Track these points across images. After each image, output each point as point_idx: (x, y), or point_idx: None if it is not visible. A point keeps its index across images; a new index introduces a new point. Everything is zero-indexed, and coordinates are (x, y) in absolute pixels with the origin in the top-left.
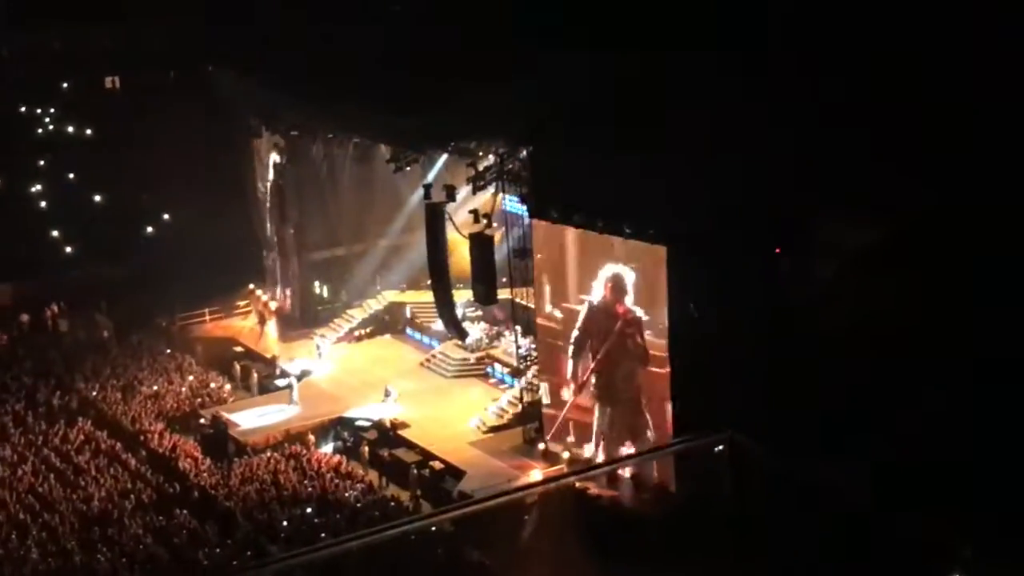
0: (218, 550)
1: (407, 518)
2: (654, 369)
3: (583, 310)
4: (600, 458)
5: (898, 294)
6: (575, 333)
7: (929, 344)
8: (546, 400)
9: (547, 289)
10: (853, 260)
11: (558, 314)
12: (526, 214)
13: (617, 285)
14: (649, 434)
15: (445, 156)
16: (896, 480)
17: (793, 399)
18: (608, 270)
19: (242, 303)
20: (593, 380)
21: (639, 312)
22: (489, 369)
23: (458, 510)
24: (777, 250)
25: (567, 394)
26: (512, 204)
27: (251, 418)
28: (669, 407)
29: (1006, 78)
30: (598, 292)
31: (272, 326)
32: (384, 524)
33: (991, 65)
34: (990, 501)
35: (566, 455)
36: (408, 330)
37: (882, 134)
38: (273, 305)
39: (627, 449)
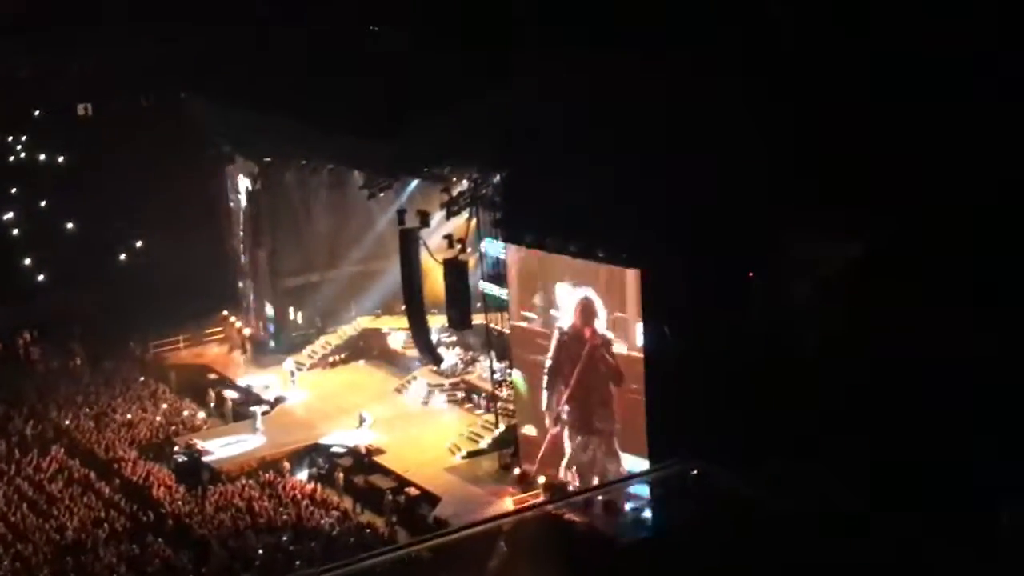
0: None
1: (382, 548)
2: (630, 394)
3: (553, 339)
4: (575, 484)
5: (872, 316)
6: (547, 363)
7: (904, 368)
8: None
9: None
10: (827, 282)
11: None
12: (502, 252)
13: (587, 309)
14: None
15: (418, 181)
16: (871, 506)
17: (767, 423)
18: (577, 294)
19: (215, 330)
20: (567, 409)
21: (608, 334)
22: (474, 395)
23: (432, 540)
24: (750, 274)
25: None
26: (490, 241)
27: (214, 448)
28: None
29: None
30: (567, 318)
31: (246, 353)
32: (360, 553)
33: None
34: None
35: (541, 480)
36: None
37: (855, 155)
38: (247, 332)
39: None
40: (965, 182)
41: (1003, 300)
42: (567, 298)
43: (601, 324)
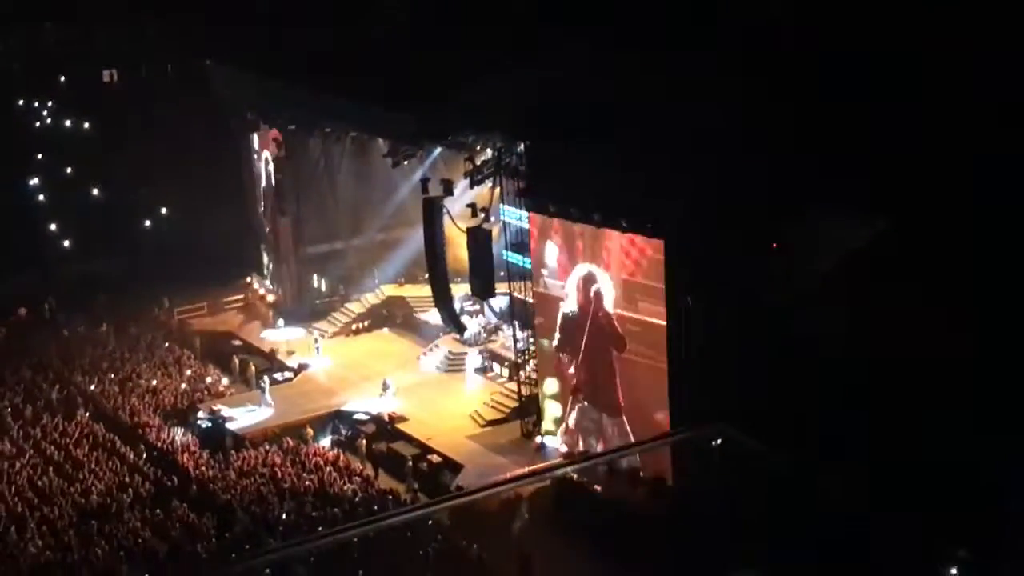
0: (216, 543)
1: (400, 508)
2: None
3: (559, 318)
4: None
5: (897, 293)
6: (556, 337)
7: (927, 344)
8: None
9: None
10: (851, 258)
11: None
12: (524, 220)
13: (588, 284)
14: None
15: (441, 150)
16: (893, 480)
17: (787, 396)
18: (579, 270)
19: (239, 296)
20: (575, 376)
21: (609, 307)
22: (487, 363)
23: (450, 501)
24: (774, 245)
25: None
26: (509, 212)
27: (238, 414)
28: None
29: (1007, 77)
30: (572, 297)
31: (269, 319)
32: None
33: (993, 63)
34: (988, 502)
35: (563, 448)
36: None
37: (883, 130)
38: (270, 299)
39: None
40: (983, 178)
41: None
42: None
43: (607, 301)
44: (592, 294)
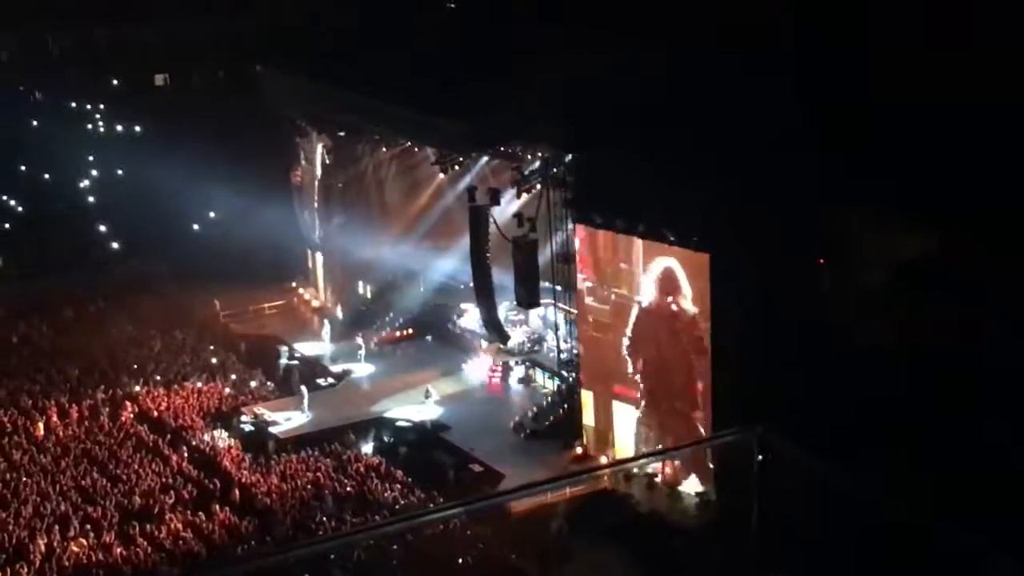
0: (255, 546)
1: (433, 507)
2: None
3: (632, 315)
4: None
5: (942, 308)
6: (625, 341)
7: (971, 358)
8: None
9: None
10: (897, 273)
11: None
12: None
13: (667, 280)
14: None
15: (488, 159)
16: (932, 491)
17: (831, 408)
18: (658, 264)
19: (285, 301)
20: (641, 386)
21: (692, 309)
22: (530, 373)
23: (483, 501)
24: (820, 260)
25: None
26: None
27: (280, 418)
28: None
29: None
30: (648, 291)
31: (315, 325)
32: (414, 511)
33: None
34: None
35: (603, 460)
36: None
37: (934, 145)
38: (316, 304)
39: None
40: None
41: None
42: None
43: (686, 300)
44: (670, 291)
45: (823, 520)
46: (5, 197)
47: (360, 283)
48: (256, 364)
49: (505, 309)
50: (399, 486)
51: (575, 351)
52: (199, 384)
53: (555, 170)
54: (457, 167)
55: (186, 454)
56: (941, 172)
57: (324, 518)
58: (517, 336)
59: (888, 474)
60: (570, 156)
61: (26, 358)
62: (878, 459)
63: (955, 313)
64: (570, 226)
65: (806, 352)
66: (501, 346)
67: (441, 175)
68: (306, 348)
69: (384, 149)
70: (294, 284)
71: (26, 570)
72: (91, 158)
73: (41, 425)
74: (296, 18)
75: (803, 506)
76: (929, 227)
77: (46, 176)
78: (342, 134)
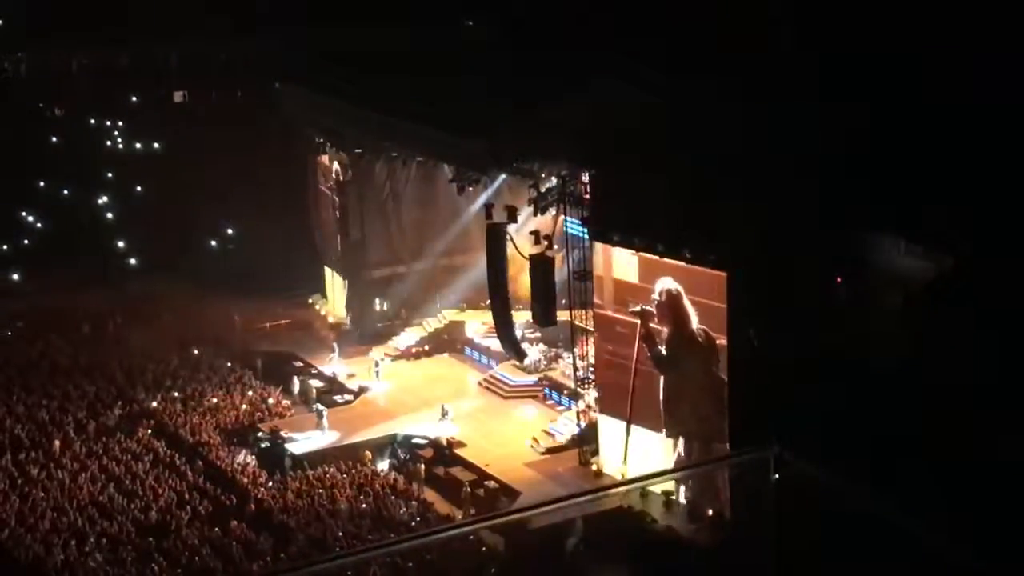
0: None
1: (450, 524)
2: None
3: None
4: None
5: (958, 328)
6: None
7: (988, 378)
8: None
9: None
10: (914, 292)
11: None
12: (586, 236)
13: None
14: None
15: (506, 176)
16: (950, 509)
17: (849, 426)
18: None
19: (302, 318)
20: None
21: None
22: (546, 391)
23: (499, 518)
24: (838, 279)
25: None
26: (574, 225)
27: (297, 435)
28: None
29: None
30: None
31: (331, 341)
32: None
33: None
34: None
35: (619, 477)
36: (467, 349)
37: (951, 165)
38: (332, 320)
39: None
40: None
41: None
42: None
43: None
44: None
45: (840, 539)
46: (24, 213)
47: (377, 300)
48: (273, 380)
49: (522, 327)
50: (415, 503)
51: (591, 369)
52: (216, 400)
53: (572, 188)
54: (473, 186)
55: (203, 470)
56: (959, 192)
57: (340, 534)
58: (534, 353)
59: (906, 492)
60: (587, 174)
61: (44, 374)
62: (897, 476)
63: (972, 330)
64: (587, 244)
65: (824, 370)
66: (518, 363)
67: (459, 193)
68: (323, 364)
69: (402, 166)
70: (310, 300)
71: None
72: (110, 175)
73: (58, 441)
74: (315, 36)
75: (820, 525)
76: (946, 246)
77: (64, 192)
78: (359, 151)
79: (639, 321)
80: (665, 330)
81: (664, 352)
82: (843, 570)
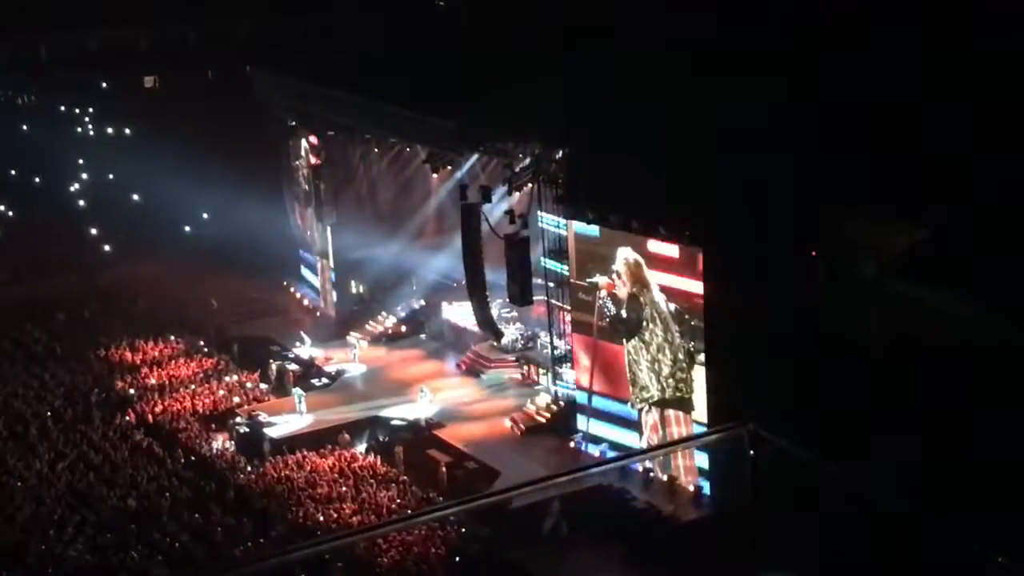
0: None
1: (430, 507)
2: None
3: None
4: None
5: (932, 299)
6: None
7: (959, 347)
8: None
9: None
10: (890, 265)
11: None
12: (561, 227)
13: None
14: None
15: (479, 156)
16: (923, 482)
17: (823, 400)
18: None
19: (278, 302)
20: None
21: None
22: (524, 370)
23: (479, 500)
24: (813, 253)
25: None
26: (546, 219)
27: (275, 419)
28: None
29: None
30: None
31: (307, 326)
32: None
33: None
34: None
35: (597, 455)
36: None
37: (925, 136)
38: (306, 303)
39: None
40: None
41: None
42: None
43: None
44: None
45: (817, 514)
46: None
47: (352, 282)
48: (250, 365)
49: (498, 306)
50: (395, 485)
51: (569, 347)
52: (193, 386)
53: (546, 166)
54: (449, 166)
55: (181, 456)
56: (935, 163)
57: (321, 518)
58: (511, 333)
59: (881, 466)
60: (561, 152)
61: (20, 363)
62: (872, 451)
63: (948, 304)
64: (563, 222)
65: (800, 344)
66: (495, 343)
67: (433, 174)
68: (299, 348)
69: (375, 148)
70: (286, 283)
71: (22, 574)
72: (81, 161)
73: (35, 430)
74: (286, 18)
75: (797, 500)
76: (921, 218)
77: (36, 180)
78: (332, 133)
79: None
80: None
81: (624, 316)
82: (820, 545)
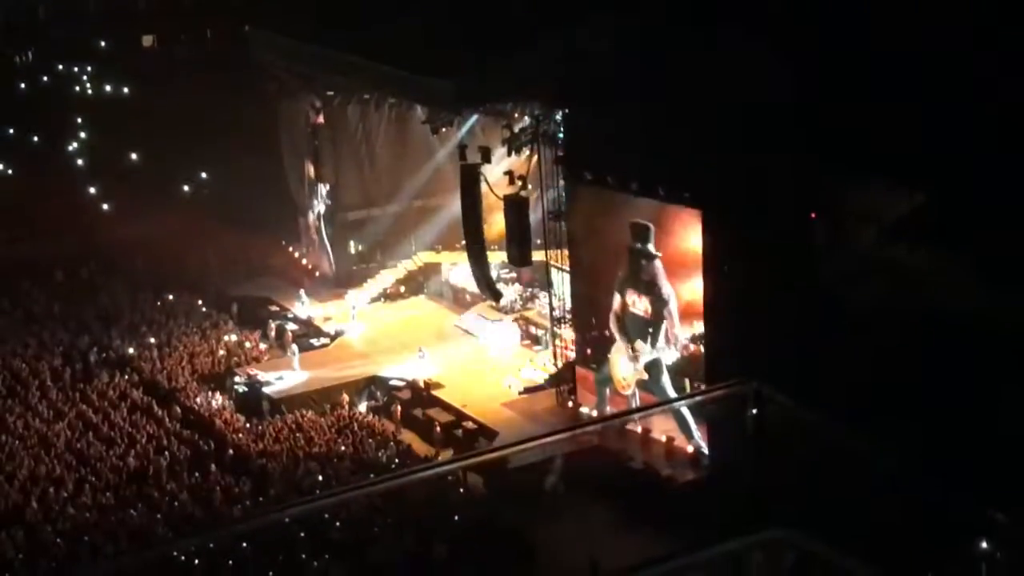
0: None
1: (428, 464)
2: None
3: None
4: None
5: (933, 266)
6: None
7: (964, 315)
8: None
9: None
10: (890, 229)
11: None
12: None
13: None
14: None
15: (479, 117)
16: (925, 447)
17: (825, 364)
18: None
19: (276, 262)
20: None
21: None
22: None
23: (477, 458)
24: (812, 215)
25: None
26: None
27: (274, 379)
28: None
29: None
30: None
31: (306, 285)
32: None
33: None
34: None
35: (596, 415)
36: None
37: (929, 102)
38: (307, 263)
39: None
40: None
41: None
42: None
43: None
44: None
45: (817, 472)
46: None
47: (351, 242)
48: (249, 325)
49: (497, 267)
50: (393, 444)
51: (568, 307)
52: (191, 346)
53: (546, 127)
54: (447, 127)
55: (180, 416)
56: (936, 127)
57: (320, 477)
58: (509, 294)
59: (882, 428)
60: (560, 113)
61: (18, 322)
62: (873, 414)
63: (949, 270)
64: (561, 183)
65: (799, 307)
66: (494, 304)
67: (432, 134)
68: (298, 308)
69: (374, 109)
70: (284, 243)
71: (22, 533)
72: (79, 120)
73: (35, 389)
74: None
75: (797, 459)
76: (922, 184)
77: (35, 139)
78: (331, 94)
79: None
80: None
81: None
82: (820, 503)
